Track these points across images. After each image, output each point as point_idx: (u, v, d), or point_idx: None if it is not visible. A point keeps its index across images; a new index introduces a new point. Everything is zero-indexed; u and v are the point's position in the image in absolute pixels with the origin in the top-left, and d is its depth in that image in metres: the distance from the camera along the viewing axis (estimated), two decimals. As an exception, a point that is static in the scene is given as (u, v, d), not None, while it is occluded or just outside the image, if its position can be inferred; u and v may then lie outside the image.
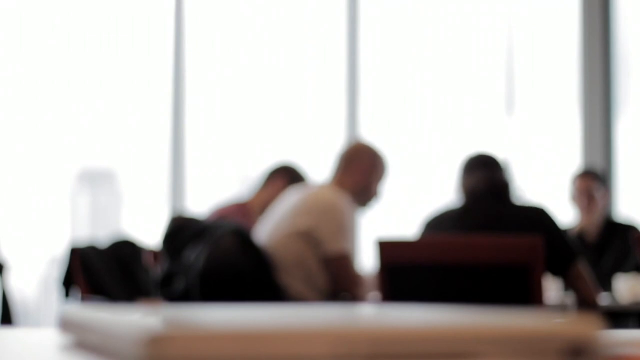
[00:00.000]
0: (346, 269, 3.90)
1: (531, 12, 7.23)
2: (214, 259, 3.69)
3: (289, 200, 4.01)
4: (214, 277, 3.69)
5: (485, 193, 3.65)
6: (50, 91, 6.47)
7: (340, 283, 3.92)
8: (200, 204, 6.10)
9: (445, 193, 6.25)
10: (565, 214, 5.43)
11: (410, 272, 3.28)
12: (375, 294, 3.81)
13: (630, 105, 6.92)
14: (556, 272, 3.59)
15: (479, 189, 3.66)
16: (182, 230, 3.82)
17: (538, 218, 3.54)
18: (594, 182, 5.13)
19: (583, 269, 3.62)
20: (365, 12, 6.97)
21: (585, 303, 3.64)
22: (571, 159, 6.85)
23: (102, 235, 4.85)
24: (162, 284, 3.79)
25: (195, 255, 3.73)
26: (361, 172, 4.06)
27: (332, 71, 6.94)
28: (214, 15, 6.82)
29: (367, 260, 5.44)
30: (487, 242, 3.25)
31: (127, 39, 6.63)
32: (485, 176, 3.67)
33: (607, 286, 4.69)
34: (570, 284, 3.64)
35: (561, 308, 3.84)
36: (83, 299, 4.07)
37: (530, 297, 3.15)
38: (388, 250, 3.31)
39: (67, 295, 4.12)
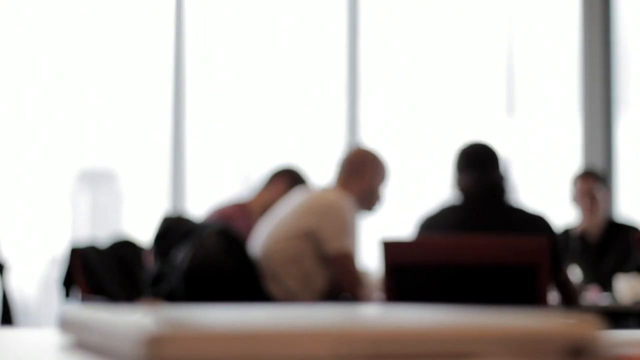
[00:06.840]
0: (348, 268, 3.90)
1: (531, 12, 7.22)
2: (198, 259, 3.69)
3: (292, 201, 4.02)
4: (197, 277, 3.69)
5: (482, 194, 3.64)
6: (50, 91, 6.47)
7: (342, 282, 3.92)
8: (200, 204, 6.09)
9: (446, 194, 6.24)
10: (565, 214, 5.43)
11: (415, 272, 3.27)
12: (379, 294, 3.80)
13: (630, 106, 6.92)
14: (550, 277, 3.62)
15: (475, 190, 3.65)
16: (171, 231, 3.82)
17: (538, 225, 3.54)
18: (595, 182, 5.12)
19: (567, 272, 3.69)
20: (365, 13, 6.97)
21: (571, 303, 3.68)
22: (571, 160, 6.85)
23: (102, 235, 4.85)
24: (152, 283, 3.79)
25: (182, 256, 3.73)
26: (363, 177, 4.08)
27: (332, 71, 6.95)
28: (214, 16, 6.82)
29: (367, 261, 5.43)
30: (491, 242, 3.25)
31: (127, 39, 6.63)
32: (480, 176, 3.65)
33: (607, 286, 4.69)
34: (558, 287, 3.66)
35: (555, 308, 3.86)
36: (83, 299, 4.07)
37: (535, 297, 3.15)
38: (392, 250, 3.30)
39: (67, 295, 4.12)
